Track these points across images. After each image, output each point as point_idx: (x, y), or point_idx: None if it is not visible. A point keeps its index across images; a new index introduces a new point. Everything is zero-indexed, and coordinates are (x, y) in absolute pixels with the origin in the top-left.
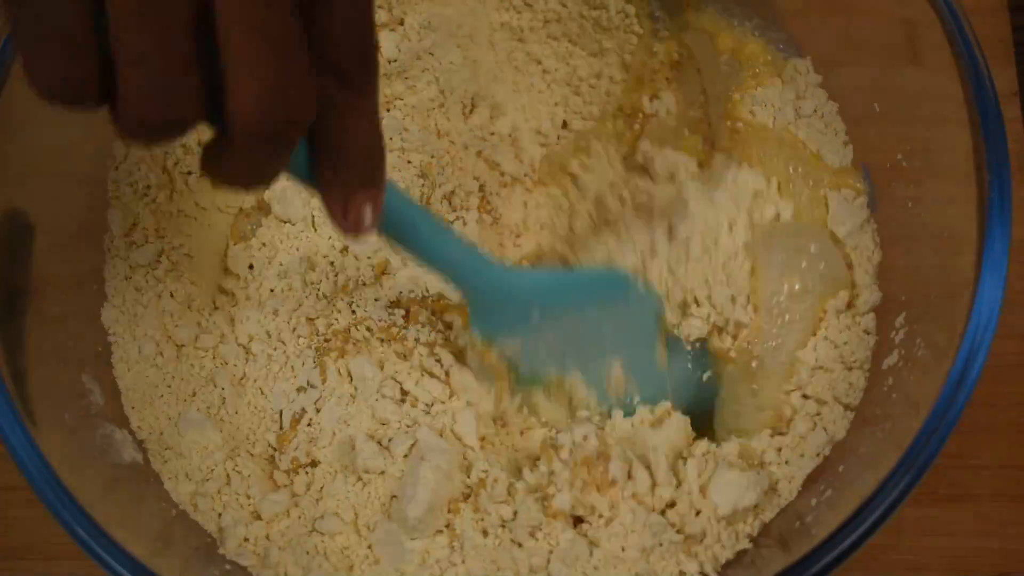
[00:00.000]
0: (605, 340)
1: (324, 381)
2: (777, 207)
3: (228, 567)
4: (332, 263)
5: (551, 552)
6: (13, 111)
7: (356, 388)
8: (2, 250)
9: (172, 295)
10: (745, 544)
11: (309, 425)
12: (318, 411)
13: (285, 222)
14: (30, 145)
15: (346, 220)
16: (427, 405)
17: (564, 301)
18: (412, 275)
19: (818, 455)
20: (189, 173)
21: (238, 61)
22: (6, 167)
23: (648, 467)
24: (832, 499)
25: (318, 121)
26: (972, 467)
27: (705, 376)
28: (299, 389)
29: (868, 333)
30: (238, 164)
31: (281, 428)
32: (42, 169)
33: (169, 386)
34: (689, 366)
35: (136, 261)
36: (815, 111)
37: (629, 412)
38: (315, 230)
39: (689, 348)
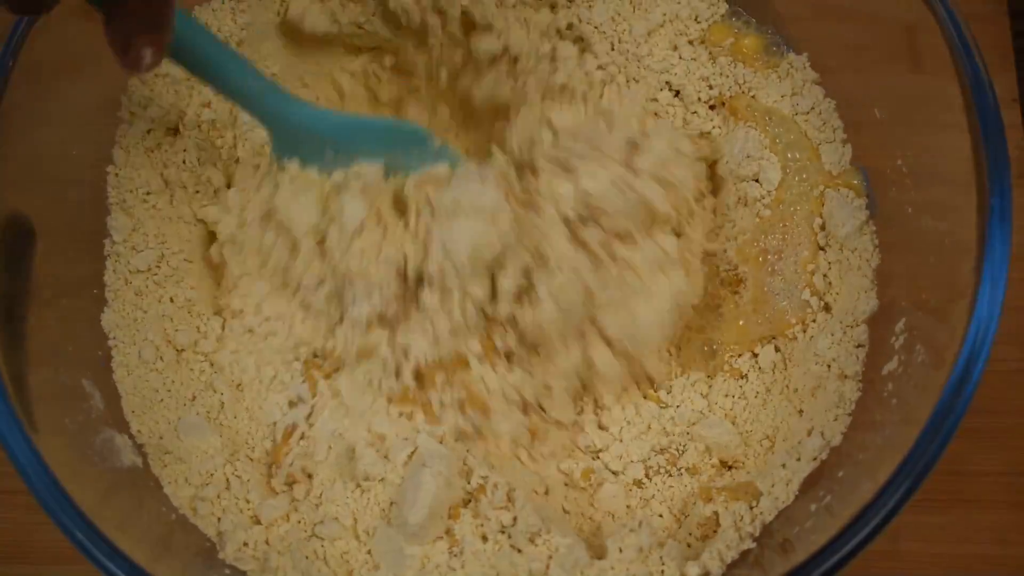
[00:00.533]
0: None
1: (314, 396)
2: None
3: (228, 571)
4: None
5: (550, 558)
6: (14, 117)
7: (348, 404)
8: (2, 255)
9: (172, 300)
10: (749, 544)
11: (303, 439)
12: (311, 425)
13: None
14: (31, 151)
15: (126, 57)
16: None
17: (359, 144)
18: None
19: (815, 459)
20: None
21: None
22: (7, 172)
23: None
24: (831, 505)
25: None
26: (971, 474)
27: None
28: (290, 403)
29: (860, 346)
30: None
31: (274, 442)
32: (43, 174)
33: (169, 390)
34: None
35: (136, 266)
36: (812, 108)
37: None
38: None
39: None
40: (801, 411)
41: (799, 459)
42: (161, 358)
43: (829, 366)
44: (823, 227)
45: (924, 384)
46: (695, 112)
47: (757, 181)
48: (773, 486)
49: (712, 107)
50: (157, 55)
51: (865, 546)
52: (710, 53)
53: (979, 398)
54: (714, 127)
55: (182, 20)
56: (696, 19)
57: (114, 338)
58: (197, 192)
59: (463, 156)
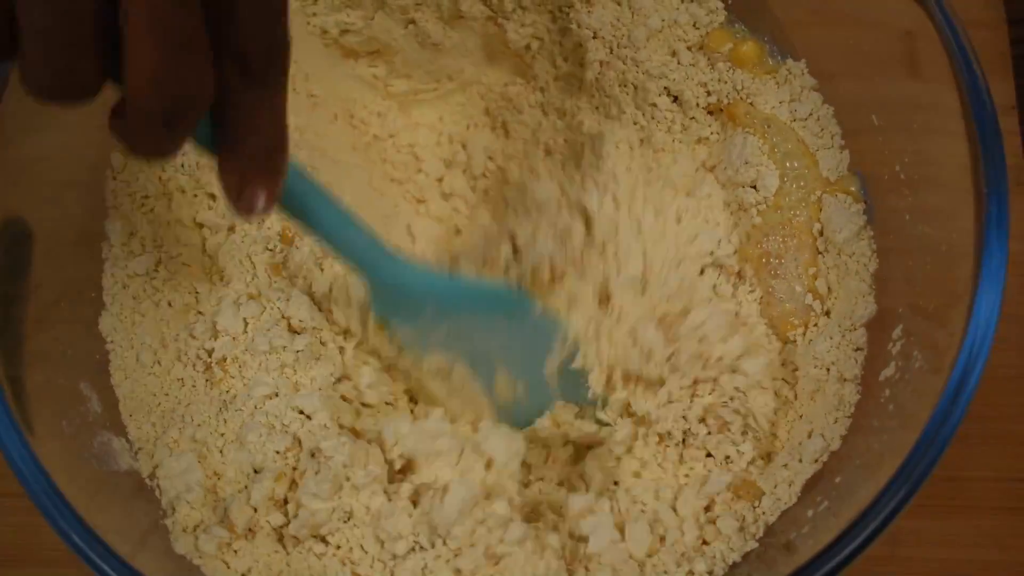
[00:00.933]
0: (494, 348)
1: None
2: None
3: None
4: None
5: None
6: (12, 120)
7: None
8: (0, 257)
9: (170, 304)
10: (752, 545)
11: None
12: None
13: None
14: (29, 153)
15: (239, 202)
16: None
17: (458, 306)
18: None
19: (816, 460)
20: (183, 191)
21: (134, 39)
22: (5, 175)
23: None
24: (829, 510)
25: (221, 107)
26: (969, 479)
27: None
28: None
29: (859, 350)
30: (135, 134)
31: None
32: (40, 177)
33: (167, 394)
34: (586, 395)
35: (134, 270)
36: (811, 114)
37: (517, 420)
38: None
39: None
40: (801, 415)
41: (800, 460)
42: (159, 362)
43: (828, 369)
44: (821, 232)
45: (922, 390)
46: (693, 118)
47: (755, 188)
48: (776, 487)
49: (711, 112)
50: (270, 200)
51: (862, 551)
52: (709, 59)
53: (977, 404)
54: (712, 133)
55: (292, 168)
56: (695, 25)
57: (112, 342)
58: (195, 196)
59: (563, 323)
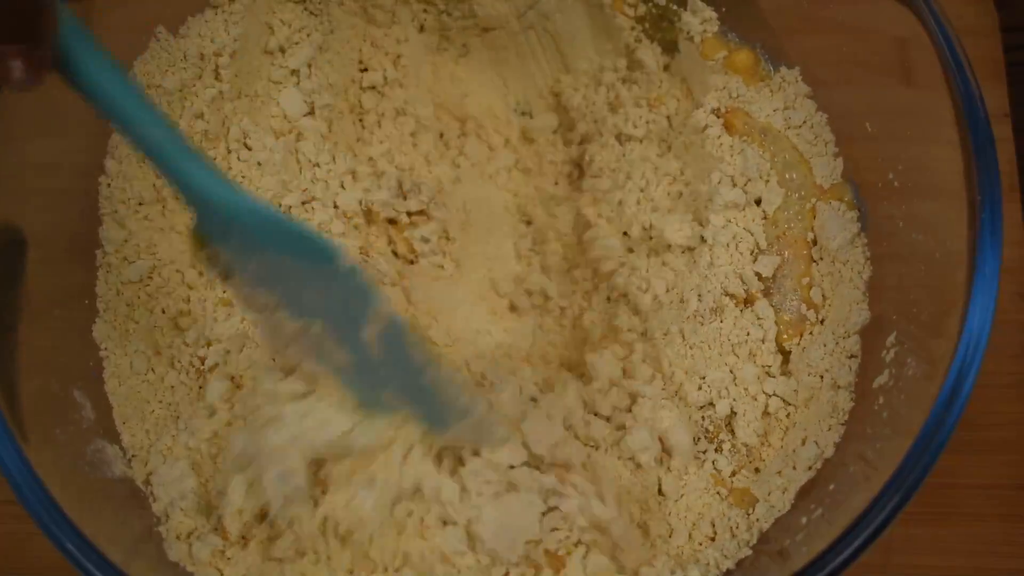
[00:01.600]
0: (314, 300)
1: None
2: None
3: None
4: None
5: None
6: (5, 126)
7: None
8: None
9: (164, 311)
10: (746, 552)
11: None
12: None
13: None
14: (22, 160)
15: None
16: None
17: (265, 241)
18: None
19: (810, 468)
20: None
21: None
22: None
23: None
24: (823, 517)
25: None
26: (963, 486)
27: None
28: None
29: (852, 357)
30: None
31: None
32: (34, 184)
33: (160, 401)
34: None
35: (128, 277)
36: (804, 122)
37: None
38: None
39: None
40: (795, 422)
41: (794, 468)
42: (153, 369)
43: (822, 376)
44: (815, 241)
45: (915, 397)
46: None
47: (758, 203)
48: (769, 494)
49: (717, 115)
50: (31, 72)
51: (856, 558)
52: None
53: (970, 411)
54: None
55: (74, 35)
56: (689, 35)
57: (105, 349)
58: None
59: (375, 287)
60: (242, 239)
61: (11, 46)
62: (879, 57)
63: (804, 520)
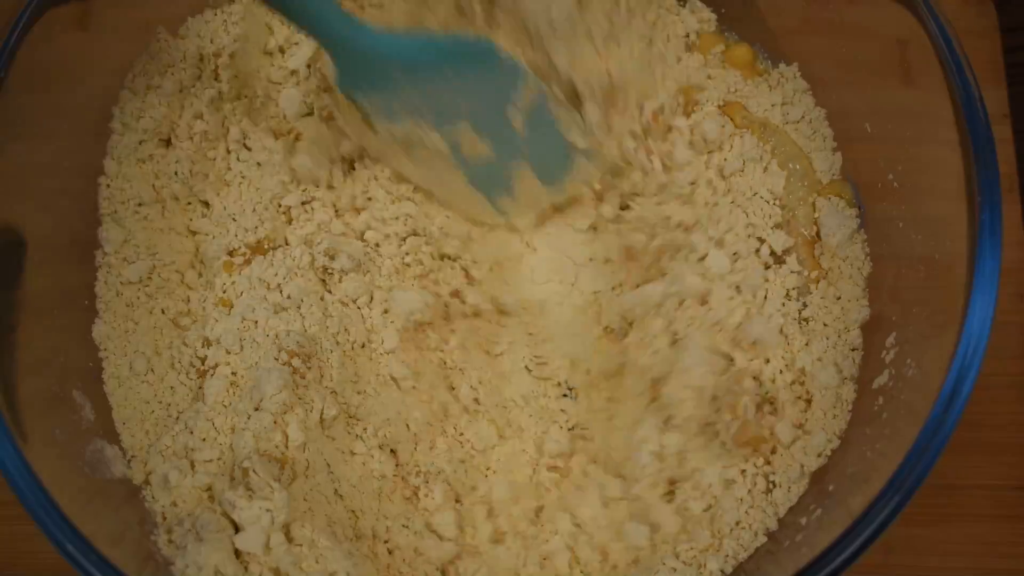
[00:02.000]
0: (460, 106)
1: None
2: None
3: None
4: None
5: None
6: (5, 127)
7: None
8: None
9: (163, 311)
10: (762, 540)
11: None
12: None
13: None
14: (22, 161)
15: None
16: None
17: (422, 64)
18: None
19: (820, 455)
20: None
21: None
22: None
23: None
24: (823, 518)
25: None
26: (963, 487)
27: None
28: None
29: (855, 349)
30: None
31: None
32: (34, 185)
33: (160, 402)
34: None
35: (127, 278)
36: (803, 117)
37: (488, 185)
38: None
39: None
40: (811, 394)
41: (806, 453)
42: (152, 370)
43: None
44: (817, 235)
45: (915, 398)
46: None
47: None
48: (787, 473)
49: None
50: None
51: (856, 559)
52: (704, 60)
53: (970, 412)
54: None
55: None
56: (686, 34)
57: (105, 349)
58: (189, 204)
59: (531, 74)
60: (404, 72)
61: None
62: (879, 57)
63: (804, 520)
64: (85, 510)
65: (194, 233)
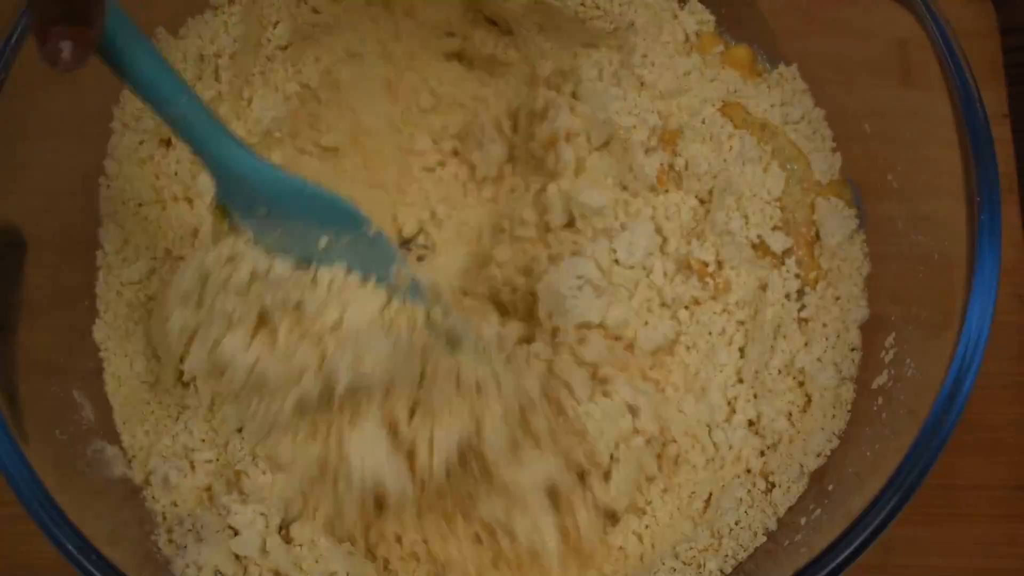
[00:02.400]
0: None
1: None
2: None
3: None
4: None
5: None
6: (6, 127)
7: None
8: None
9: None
10: (762, 540)
11: None
12: None
13: None
14: (22, 161)
15: (43, 50)
16: None
17: (293, 209)
18: None
19: (819, 455)
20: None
21: None
22: None
23: None
24: (822, 518)
25: None
26: (963, 487)
27: None
28: None
29: (854, 350)
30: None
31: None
32: (34, 185)
33: (160, 402)
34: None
35: (128, 278)
36: (803, 117)
37: None
38: None
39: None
40: (809, 393)
41: (805, 453)
42: (152, 370)
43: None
44: (816, 236)
45: (914, 398)
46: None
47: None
48: (786, 474)
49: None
50: (79, 52)
51: (855, 559)
52: (704, 60)
53: (969, 412)
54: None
55: (117, 18)
56: (685, 38)
57: (105, 350)
58: (189, 204)
59: (398, 250)
60: (270, 207)
61: (63, 27)
62: (878, 58)
63: (803, 520)
64: (85, 510)
65: (195, 233)
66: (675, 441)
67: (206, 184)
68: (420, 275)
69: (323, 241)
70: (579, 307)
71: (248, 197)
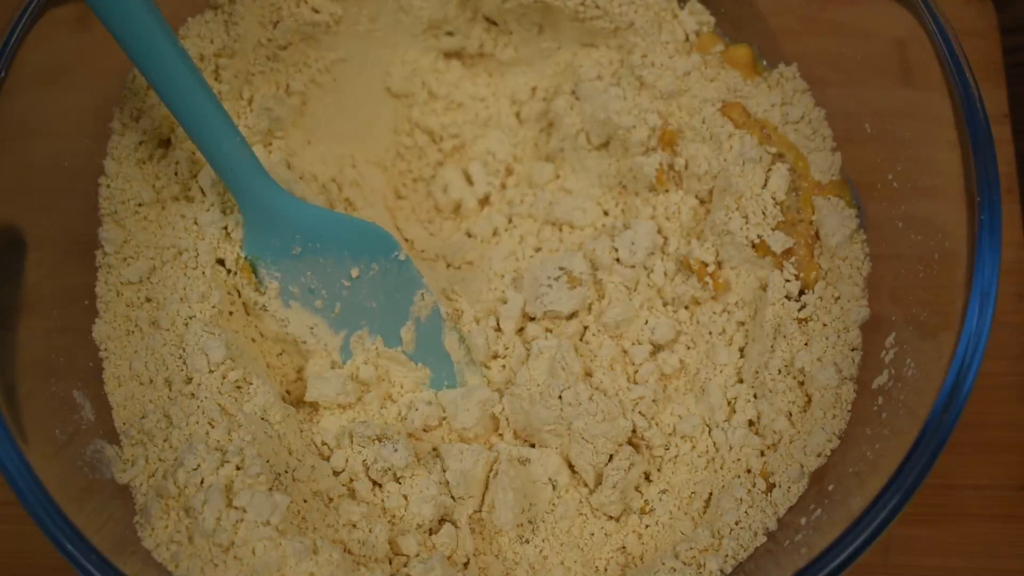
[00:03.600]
0: (359, 300)
1: None
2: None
3: None
4: None
5: None
6: (6, 128)
7: None
8: None
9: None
10: (762, 539)
11: None
12: None
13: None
14: (22, 161)
15: None
16: None
17: (327, 241)
18: None
19: (819, 455)
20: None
21: None
22: None
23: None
24: (822, 518)
25: None
26: (963, 487)
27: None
28: None
29: (855, 350)
30: None
31: None
32: (34, 185)
33: (160, 402)
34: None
35: (128, 277)
36: (803, 117)
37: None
38: None
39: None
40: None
41: (806, 452)
42: (152, 370)
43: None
44: (816, 236)
45: (914, 398)
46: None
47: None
48: (786, 474)
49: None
50: None
51: (855, 559)
52: (704, 60)
53: (969, 412)
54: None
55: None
56: (685, 37)
57: (105, 349)
58: (189, 204)
59: (422, 276)
60: (305, 243)
61: None
62: (879, 58)
63: (804, 520)
64: (85, 510)
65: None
66: (668, 447)
67: (206, 182)
68: (440, 303)
69: (355, 271)
70: (549, 295)
71: (285, 234)
